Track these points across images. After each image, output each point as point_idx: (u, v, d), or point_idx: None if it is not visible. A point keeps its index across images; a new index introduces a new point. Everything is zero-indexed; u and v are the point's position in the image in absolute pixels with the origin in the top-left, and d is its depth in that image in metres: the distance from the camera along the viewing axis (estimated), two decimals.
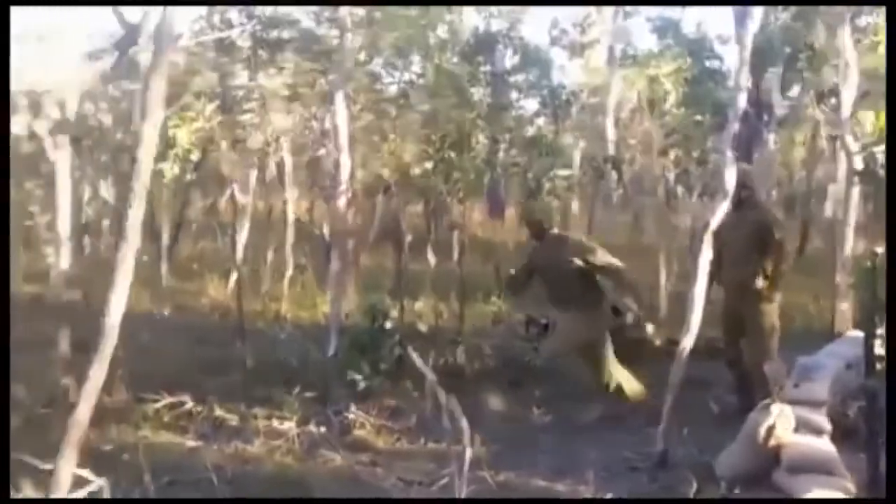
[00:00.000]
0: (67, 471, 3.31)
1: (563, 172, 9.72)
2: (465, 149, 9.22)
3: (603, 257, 6.83)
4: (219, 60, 9.12)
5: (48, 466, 3.48)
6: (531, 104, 14.54)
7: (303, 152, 12.17)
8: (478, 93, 11.13)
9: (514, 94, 13.31)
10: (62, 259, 7.43)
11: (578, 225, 11.91)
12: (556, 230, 7.14)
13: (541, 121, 14.05)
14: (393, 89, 10.41)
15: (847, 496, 4.70)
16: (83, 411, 3.30)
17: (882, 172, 4.59)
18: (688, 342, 5.62)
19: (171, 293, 10.74)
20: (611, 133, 7.79)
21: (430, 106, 9.60)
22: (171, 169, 9.58)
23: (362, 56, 9.54)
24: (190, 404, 6.47)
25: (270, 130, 10.65)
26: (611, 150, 7.88)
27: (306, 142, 11.74)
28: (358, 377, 6.85)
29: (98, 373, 3.34)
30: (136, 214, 3.44)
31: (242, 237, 9.54)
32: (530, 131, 12.56)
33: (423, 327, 8.71)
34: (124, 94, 10.88)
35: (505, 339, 8.60)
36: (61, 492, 3.34)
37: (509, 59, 13.36)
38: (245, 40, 9.16)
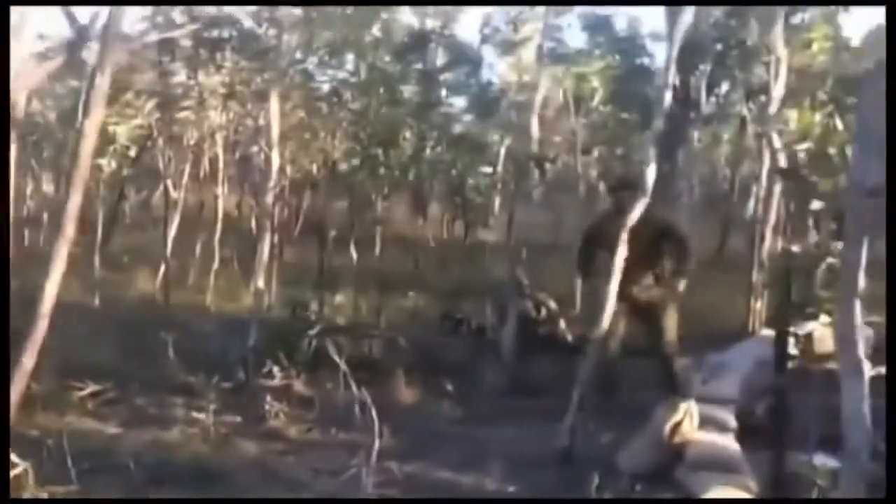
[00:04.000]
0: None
1: (486, 170, 10.06)
2: (393, 146, 9.53)
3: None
4: (160, 59, 9.30)
5: None
6: (460, 101, 14.84)
7: (236, 149, 12.37)
8: (408, 90, 11.45)
9: (443, 92, 13.63)
10: None
11: (499, 221, 12.26)
12: None
13: (468, 118, 14.38)
14: (326, 87, 10.69)
15: (748, 495, 4.66)
16: (14, 395, 3.48)
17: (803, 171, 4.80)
18: (597, 337, 5.83)
19: (102, 284, 10.87)
20: (535, 131, 8.14)
21: (360, 104, 9.89)
22: (108, 164, 9.80)
23: (298, 55, 9.79)
24: (113, 393, 6.70)
25: (206, 127, 10.86)
26: (534, 148, 8.24)
27: (240, 139, 11.94)
28: (275, 368, 7.19)
29: (29, 359, 3.52)
30: (73, 207, 3.61)
31: (172, 231, 9.77)
32: (458, 128, 12.88)
33: (341, 320, 8.96)
34: (69, 92, 10.98)
35: (421, 333, 8.88)
36: None
37: (440, 58, 13.67)
38: (186, 39, 9.33)
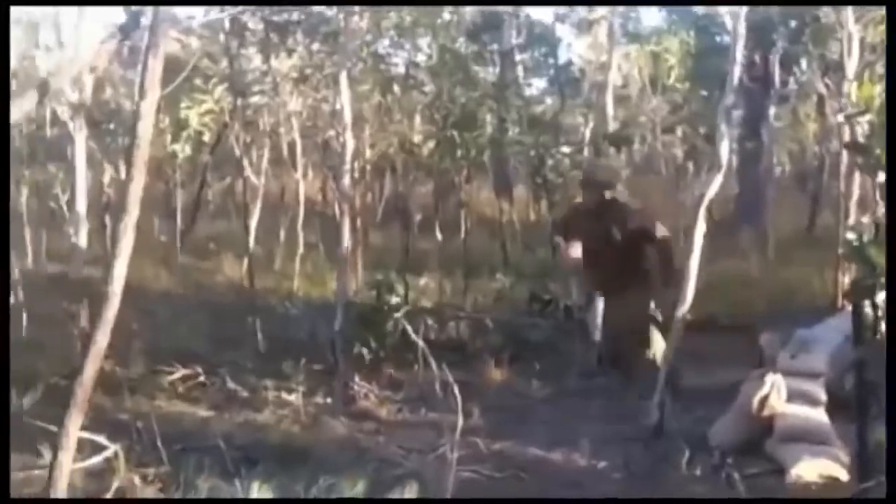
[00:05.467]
0: (74, 432, 3.53)
1: (566, 150, 9.88)
2: (470, 127, 9.40)
3: (662, 230, 6.73)
4: (230, 43, 9.34)
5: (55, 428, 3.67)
6: (540, 82, 14.63)
7: (314, 133, 12.39)
8: (484, 71, 11.29)
9: (520, 73, 13.43)
10: (81, 238, 7.79)
11: None
12: (614, 196, 6.80)
13: (549, 99, 14.15)
14: (399, 69, 10.61)
15: (839, 466, 4.81)
16: (88, 374, 3.52)
17: (871, 143, 4.60)
18: (682, 315, 5.72)
19: (189, 271, 11.05)
20: (611, 110, 7.93)
21: (434, 85, 9.79)
22: (182, 150, 9.88)
23: (368, 37, 9.73)
24: (203, 376, 6.78)
25: (282, 112, 10.88)
26: (612, 128, 8.01)
27: (317, 123, 11.96)
28: (363, 350, 7.16)
29: (102, 337, 3.55)
30: (136, 188, 3.60)
31: (255, 217, 9.85)
32: (538, 109, 12.68)
33: (427, 303, 8.91)
34: None
35: (507, 314, 8.78)
36: (70, 453, 3.56)
37: (516, 38, 13.47)
38: (256, 23, 9.35)
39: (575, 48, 16.37)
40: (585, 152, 10.67)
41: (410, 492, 4.66)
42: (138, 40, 4.73)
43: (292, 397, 6.39)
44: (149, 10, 3.86)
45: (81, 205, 7.83)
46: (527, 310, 8.88)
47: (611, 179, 6.79)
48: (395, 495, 4.66)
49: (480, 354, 7.28)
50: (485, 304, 9.14)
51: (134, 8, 4.42)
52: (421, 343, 5.01)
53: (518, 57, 13.48)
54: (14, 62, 10.02)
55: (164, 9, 3.70)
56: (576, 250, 6.82)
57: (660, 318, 6.71)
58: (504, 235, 11.42)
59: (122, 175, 11.75)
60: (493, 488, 4.93)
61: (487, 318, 8.15)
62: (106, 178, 10.21)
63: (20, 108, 4.21)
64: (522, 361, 7.30)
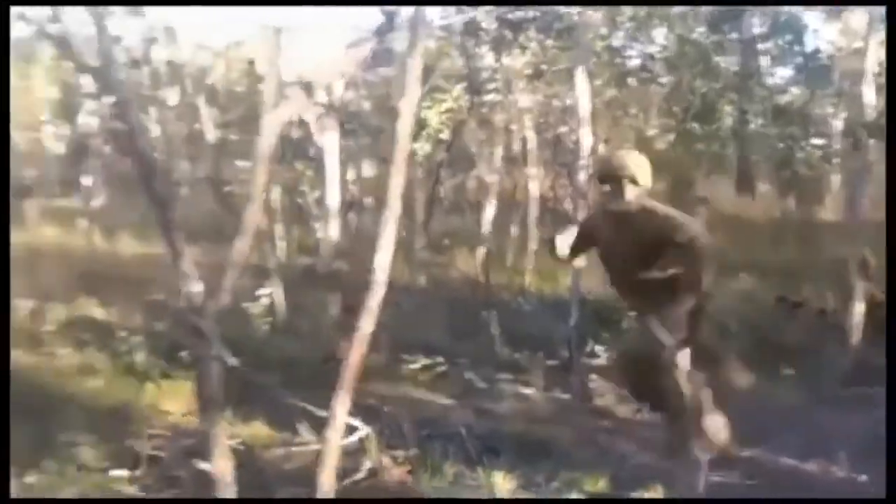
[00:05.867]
0: (342, 413, 3.69)
1: (817, 142, 9.28)
2: (710, 120, 9.05)
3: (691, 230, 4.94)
4: (464, 42, 9.49)
5: (323, 413, 3.91)
6: (784, 71, 13.83)
7: (546, 130, 12.37)
8: (725, 61, 10.84)
9: (764, 62, 12.75)
10: (331, 232, 8.21)
11: (835, 199, 11.31)
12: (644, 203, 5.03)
13: (795, 89, 13.34)
14: (634, 62, 10.39)
15: None
16: (354, 359, 3.68)
17: None
18: None
19: (426, 266, 11.34)
20: (870, 99, 7.29)
21: (672, 77, 9.51)
22: (422, 148, 10.17)
23: (603, 31, 9.59)
24: (442, 367, 6.96)
25: (515, 109, 10.96)
26: (869, 118, 7.38)
27: (549, 119, 11.92)
28: (599, 348, 7.06)
29: (367, 323, 3.70)
30: (396, 183, 3.74)
31: (489, 213, 9.95)
32: (784, 100, 11.99)
33: None
34: (382, 81, 11.61)
35: (753, 316, 8.35)
36: (337, 434, 3.72)
37: (759, 26, 12.82)
38: (490, 22, 9.45)
39: (823, 34, 15.38)
40: (838, 144, 10.00)
41: (655, 493, 4.57)
42: (378, 43, 4.93)
43: (529, 391, 6.43)
44: (403, 12, 3.99)
45: (333, 200, 8.24)
46: (774, 312, 8.43)
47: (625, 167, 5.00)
48: (637, 496, 4.59)
49: (726, 357, 6.95)
50: (729, 306, 8.75)
51: (389, 8, 4.56)
52: (670, 340, 4.82)
53: (761, 46, 12.80)
54: (263, 66, 10.69)
55: (422, 10, 3.79)
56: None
57: (669, 341, 4.96)
58: (748, 233, 10.88)
59: (364, 172, 12.24)
60: (743, 495, 4.73)
61: (732, 319, 7.82)
62: (350, 176, 10.69)
63: (289, 109, 4.43)
64: (771, 366, 6.90)
